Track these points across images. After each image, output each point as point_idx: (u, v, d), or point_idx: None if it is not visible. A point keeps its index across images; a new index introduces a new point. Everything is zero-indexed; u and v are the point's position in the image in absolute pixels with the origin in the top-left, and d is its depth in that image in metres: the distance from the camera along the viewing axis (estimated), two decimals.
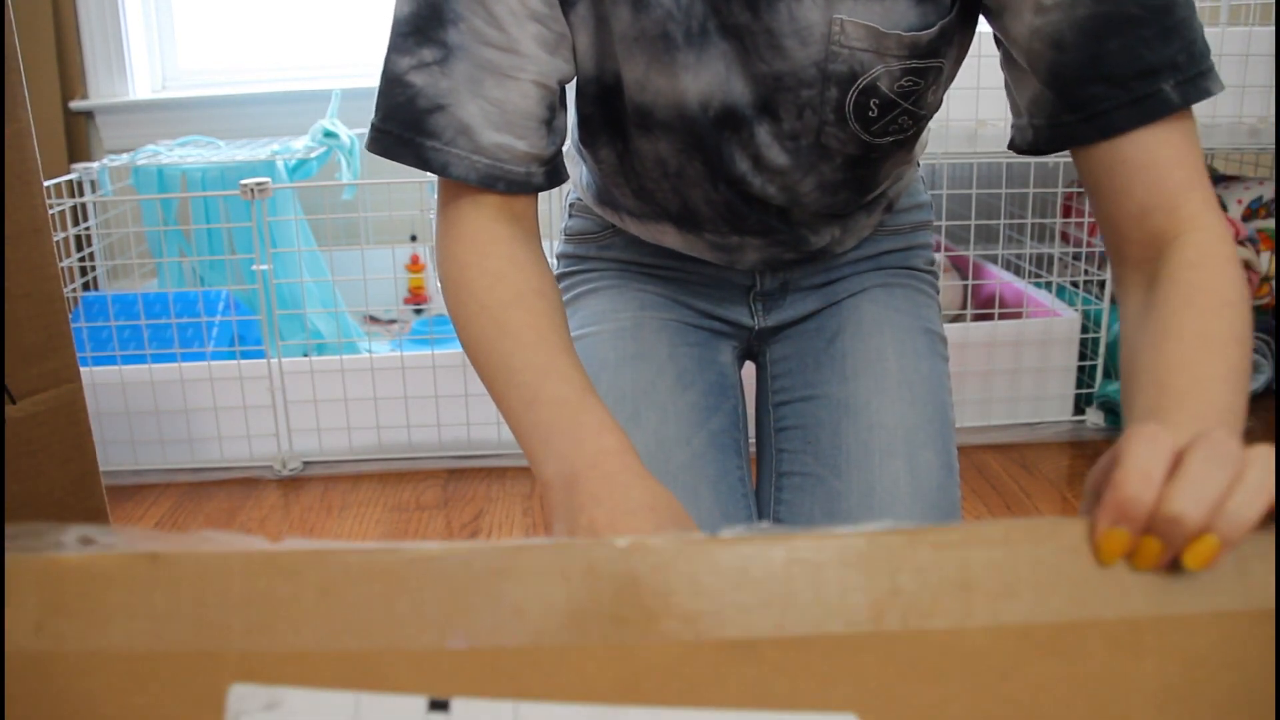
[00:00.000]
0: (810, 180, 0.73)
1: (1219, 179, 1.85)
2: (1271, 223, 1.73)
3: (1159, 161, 0.58)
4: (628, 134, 0.72)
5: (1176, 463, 0.39)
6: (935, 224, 1.82)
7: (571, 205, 0.90)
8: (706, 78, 0.66)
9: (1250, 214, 1.75)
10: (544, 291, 0.64)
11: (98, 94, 2.33)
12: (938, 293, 0.90)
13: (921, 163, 0.94)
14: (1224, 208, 1.75)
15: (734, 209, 0.75)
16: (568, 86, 0.70)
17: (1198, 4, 1.86)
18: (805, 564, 0.37)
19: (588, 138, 0.76)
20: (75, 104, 2.29)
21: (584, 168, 0.85)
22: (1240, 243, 1.64)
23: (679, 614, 0.36)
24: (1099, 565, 0.38)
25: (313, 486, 1.67)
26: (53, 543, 0.36)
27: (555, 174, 0.67)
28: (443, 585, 0.36)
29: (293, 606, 0.35)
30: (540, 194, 0.69)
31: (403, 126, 0.63)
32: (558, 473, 0.56)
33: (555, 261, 0.90)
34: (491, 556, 0.36)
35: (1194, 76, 0.57)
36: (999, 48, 0.65)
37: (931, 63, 0.65)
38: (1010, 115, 0.67)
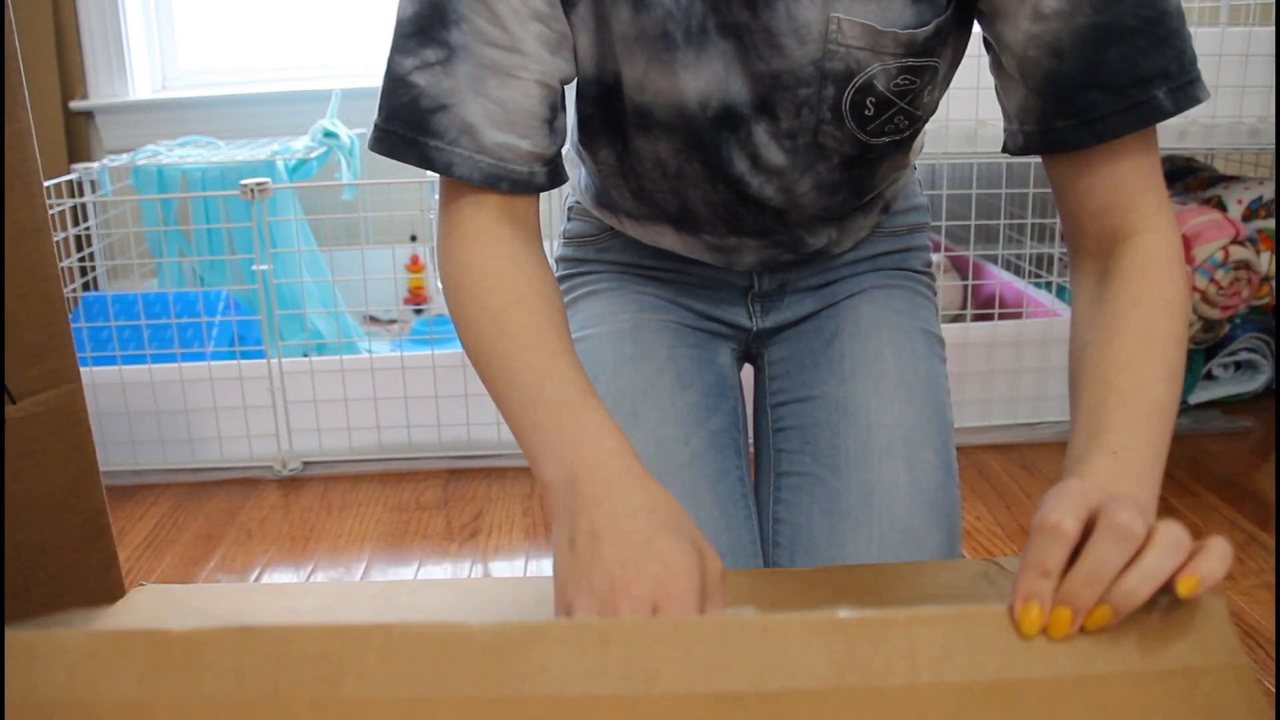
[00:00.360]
0: (807, 180, 0.73)
1: (1219, 179, 1.85)
2: (1271, 223, 1.73)
3: (1122, 165, 0.61)
4: (627, 135, 0.72)
5: (1090, 519, 0.45)
6: (935, 224, 1.82)
7: (570, 209, 0.91)
8: (705, 77, 0.67)
9: (1250, 214, 1.75)
10: (544, 293, 0.64)
11: (98, 94, 2.33)
12: (935, 294, 0.91)
13: (918, 165, 0.94)
14: (1224, 208, 1.75)
15: (732, 210, 0.75)
16: (568, 87, 0.70)
17: (1198, 4, 1.86)
18: (777, 633, 0.44)
19: (587, 139, 0.76)
20: (75, 104, 2.29)
21: (583, 170, 0.85)
22: (1240, 243, 1.64)
23: (676, 672, 0.43)
24: (1022, 636, 0.45)
25: (313, 486, 1.67)
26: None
27: (556, 174, 0.68)
28: (481, 649, 0.43)
29: (356, 664, 0.41)
30: (540, 196, 0.69)
31: (406, 126, 0.63)
32: (557, 475, 0.56)
33: (554, 264, 0.91)
34: (523, 629, 0.43)
35: (1185, 84, 0.59)
36: (989, 52, 0.66)
37: (927, 62, 0.65)
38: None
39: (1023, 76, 0.62)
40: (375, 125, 0.65)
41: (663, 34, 0.65)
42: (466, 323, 0.64)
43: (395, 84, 0.63)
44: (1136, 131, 0.60)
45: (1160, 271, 0.60)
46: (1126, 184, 0.61)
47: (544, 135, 0.65)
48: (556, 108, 0.66)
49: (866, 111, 0.67)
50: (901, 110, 0.68)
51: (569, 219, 0.90)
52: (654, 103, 0.69)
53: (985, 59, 0.67)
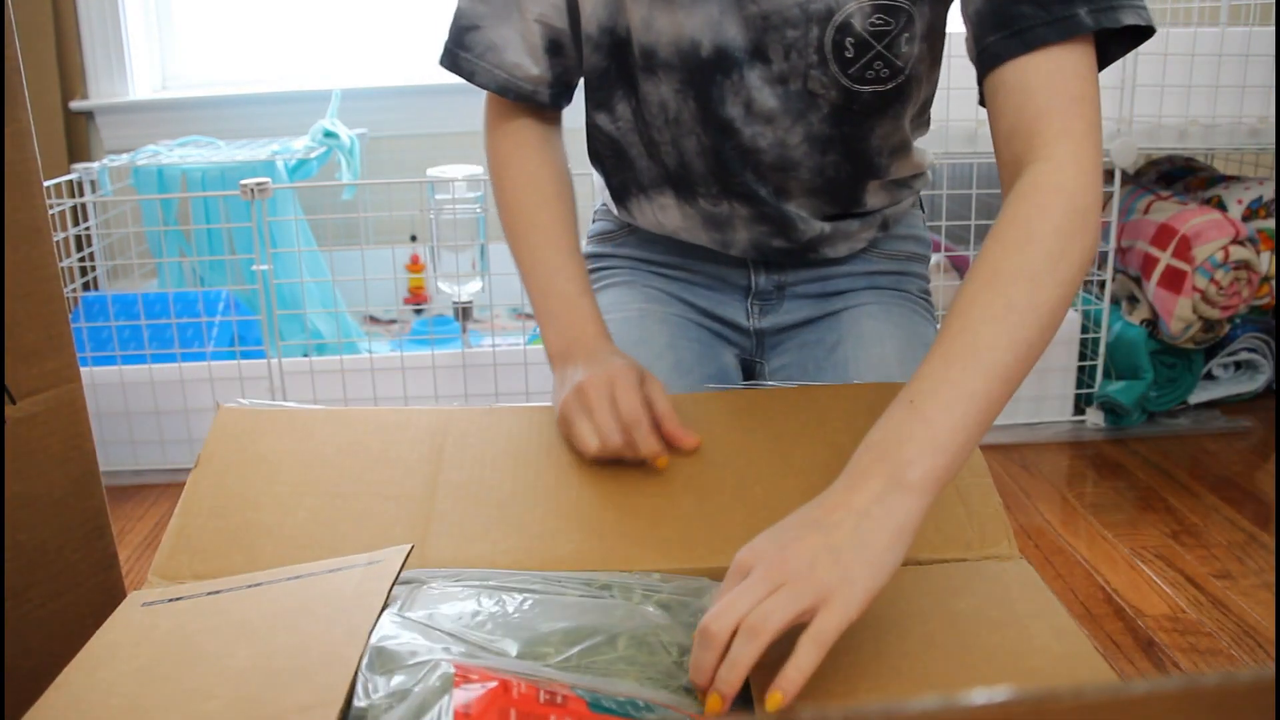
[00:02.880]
0: (799, 130, 0.77)
1: (1219, 179, 1.85)
2: (1271, 223, 1.73)
3: (1028, 86, 0.63)
4: (636, 81, 0.80)
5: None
6: (935, 224, 1.83)
7: (595, 211, 0.99)
8: (700, 17, 0.74)
9: (1250, 214, 1.75)
10: (563, 195, 0.84)
11: (98, 94, 2.33)
12: (935, 323, 0.92)
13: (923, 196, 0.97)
14: (1224, 208, 1.75)
15: (723, 161, 0.79)
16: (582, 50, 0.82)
17: (1198, 4, 1.86)
18: None
19: (604, 96, 0.84)
20: (75, 104, 2.29)
21: (599, 162, 0.90)
22: (1240, 243, 1.64)
23: None
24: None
25: None
26: None
27: (559, 97, 0.84)
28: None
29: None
30: (562, 112, 0.87)
31: (452, 41, 0.82)
32: (556, 345, 0.79)
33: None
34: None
35: (1108, 8, 0.62)
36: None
37: (898, 2, 0.71)
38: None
39: (965, 4, 0.68)
40: (443, 45, 0.83)
41: None
42: (505, 208, 0.84)
43: (456, 11, 0.82)
44: (1057, 44, 0.62)
45: (1033, 202, 0.59)
46: (1029, 108, 0.63)
47: (546, 63, 0.81)
48: (559, 43, 0.81)
49: (847, 53, 0.73)
50: (879, 55, 0.73)
51: (594, 220, 0.99)
52: (657, 42, 0.77)
53: None
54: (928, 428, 0.54)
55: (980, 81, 0.67)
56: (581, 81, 0.84)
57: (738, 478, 0.71)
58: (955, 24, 0.75)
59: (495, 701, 0.44)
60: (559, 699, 0.46)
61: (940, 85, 1.54)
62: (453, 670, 0.47)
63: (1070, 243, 0.58)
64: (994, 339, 0.56)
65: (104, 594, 0.79)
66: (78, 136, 2.32)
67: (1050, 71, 0.62)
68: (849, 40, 0.72)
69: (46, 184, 1.03)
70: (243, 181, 1.59)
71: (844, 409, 0.76)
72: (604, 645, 0.55)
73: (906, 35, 0.72)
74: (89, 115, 2.34)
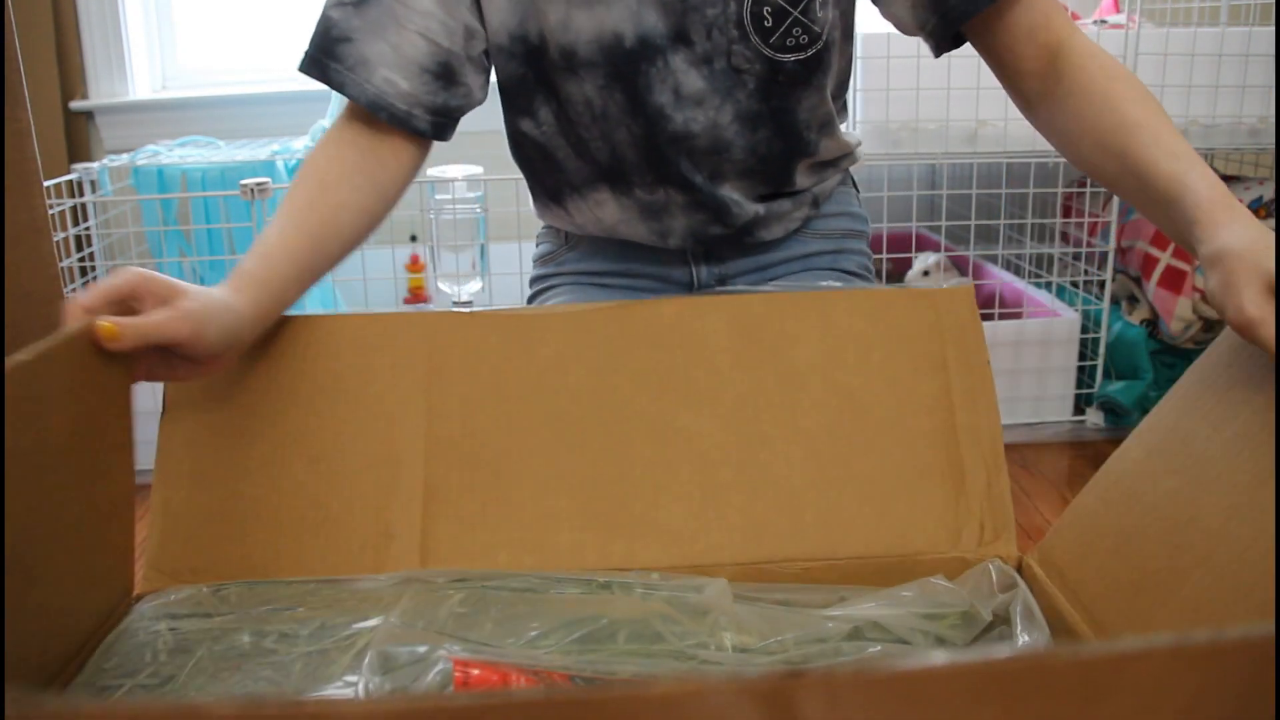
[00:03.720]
0: (728, 109, 0.78)
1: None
2: (1271, 223, 1.73)
3: (1029, 19, 0.73)
4: (557, 85, 0.79)
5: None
6: (935, 224, 1.83)
7: (538, 234, 1.00)
8: (619, 9, 0.74)
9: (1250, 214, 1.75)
10: (326, 182, 0.76)
11: (98, 94, 2.33)
12: None
13: (877, 185, 0.99)
14: None
15: (656, 148, 0.79)
16: (487, 59, 0.80)
17: (1198, 4, 1.86)
18: None
19: (525, 102, 0.82)
20: (75, 104, 2.29)
21: (528, 170, 0.90)
22: None
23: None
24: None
25: None
26: None
27: (441, 128, 0.78)
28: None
29: None
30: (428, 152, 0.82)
31: (319, 50, 0.76)
32: None
33: (529, 285, 1.01)
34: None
35: None
36: (875, 2, 0.78)
37: None
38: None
39: None
40: (304, 51, 0.77)
41: None
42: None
43: (322, 18, 0.76)
44: None
45: (1106, 57, 0.72)
46: (1036, 14, 0.73)
47: (426, 83, 0.76)
48: (450, 67, 0.76)
49: (766, 23, 0.75)
50: (797, 21, 0.75)
51: (537, 243, 1.00)
52: (577, 40, 0.76)
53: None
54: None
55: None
56: (496, 91, 0.83)
57: (739, 437, 0.67)
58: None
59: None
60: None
61: (939, 85, 1.55)
62: (452, 666, 0.47)
63: None
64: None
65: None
66: (78, 136, 2.32)
67: (1042, 6, 0.73)
68: (766, 10, 0.74)
69: (46, 184, 1.03)
70: (243, 181, 1.59)
71: (854, 335, 0.70)
72: (605, 638, 0.55)
73: (820, 0, 0.75)
74: (89, 115, 2.34)
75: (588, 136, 0.81)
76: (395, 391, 0.68)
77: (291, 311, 0.71)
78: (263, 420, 0.68)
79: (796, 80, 0.78)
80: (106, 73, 2.32)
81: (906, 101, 1.60)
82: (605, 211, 0.86)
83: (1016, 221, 1.93)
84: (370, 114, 0.76)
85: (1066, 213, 1.96)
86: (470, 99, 0.79)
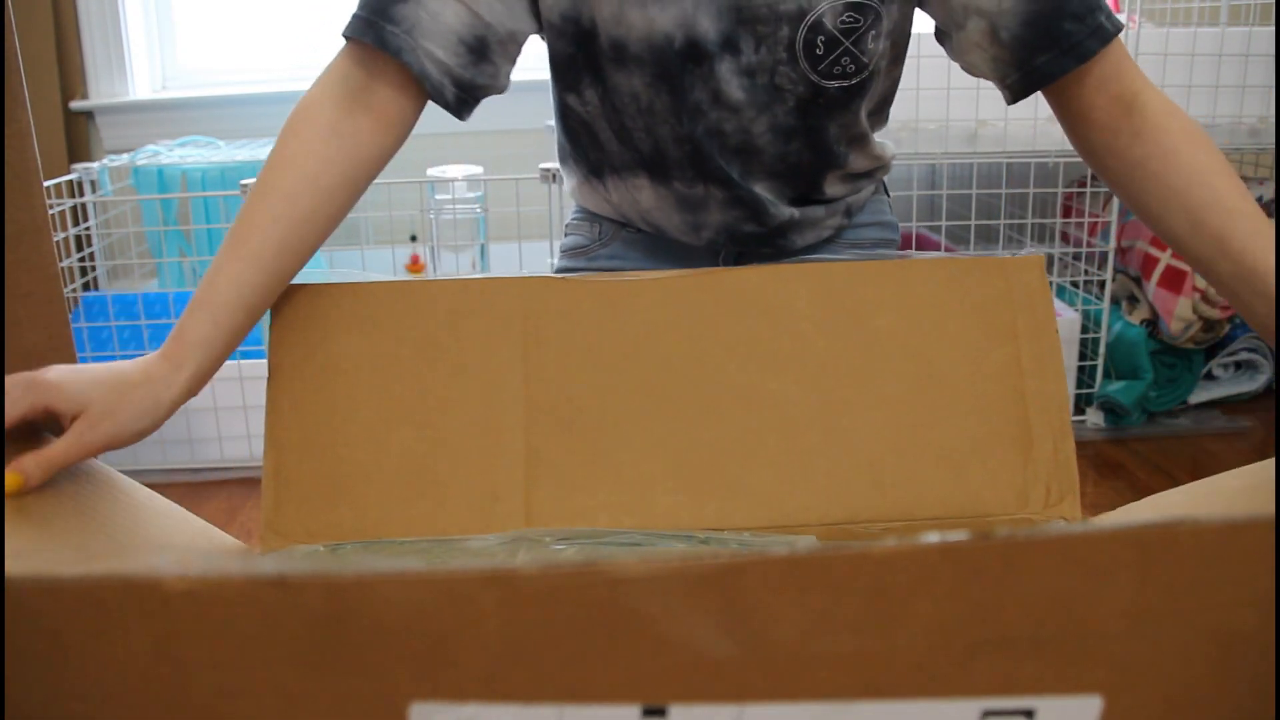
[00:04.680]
0: (763, 121, 0.78)
1: None
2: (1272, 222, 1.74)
3: (1104, 60, 0.73)
4: (605, 72, 0.78)
5: None
6: (935, 224, 1.83)
7: (568, 224, 0.98)
8: (672, 12, 0.74)
9: None
10: (296, 197, 0.70)
11: (98, 94, 2.33)
12: None
13: (892, 193, 0.99)
14: None
15: (697, 146, 0.79)
16: (527, 40, 0.79)
17: (1198, 4, 1.86)
18: None
19: (572, 80, 0.81)
20: (75, 104, 2.29)
21: (572, 143, 0.89)
22: None
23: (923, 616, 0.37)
24: None
25: None
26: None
27: (464, 104, 0.75)
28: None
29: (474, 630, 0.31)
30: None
31: (373, 12, 0.72)
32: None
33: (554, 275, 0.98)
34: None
35: (1109, 12, 0.72)
36: (943, 42, 0.77)
37: (868, 0, 0.73)
38: (1010, 113, 0.75)
39: (996, 30, 0.72)
40: (353, 14, 0.73)
41: None
42: (265, 162, 0.71)
43: None
44: (1100, 50, 0.72)
45: (1184, 118, 0.72)
46: (1109, 66, 0.73)
47: (461, 55, 0.73)
48: (485, 43, 0.74)
49: (817, 50, 0.74)
50: (848, 51, 0.75)
51: (566, 234, 0.98)
52: (628, 36, 0.75)
53: (1050, 106, 0.77)
54: None
55: (1013, 97, 0.75)
56: (549, 64, 0.82)
57: (823, 402, 0.70)
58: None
59: None
60: None
61: (939, 85, 1.55)
62: None
63: None
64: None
65: None
66: (78, 136, 2.32)
67: (1117, 60, 0.73)
68: (820, 38, 0.74)
69: (46, 184, 1.03)
70: (243, 181, 1.59)
71: (930, 303, 0.72)
72: None
73: (874, 33, 0.74)
74: (89, 115, 2.34)
75: (631, 126, 0.81)
76: (493, 357, 0.70)
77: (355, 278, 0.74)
78: (365, 387, 0.70)
79: (835, 104, 0.78)
80: (106, 73, 2.32)
81: (906, 101, 1.60)
82: (642, 196, 0.87)
83: (1016, 221, 1.93)
84: (383, 73, 0.72)
85: (1066, 213, 1.96)
86: (497, 81, 0.77)
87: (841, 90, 0.77)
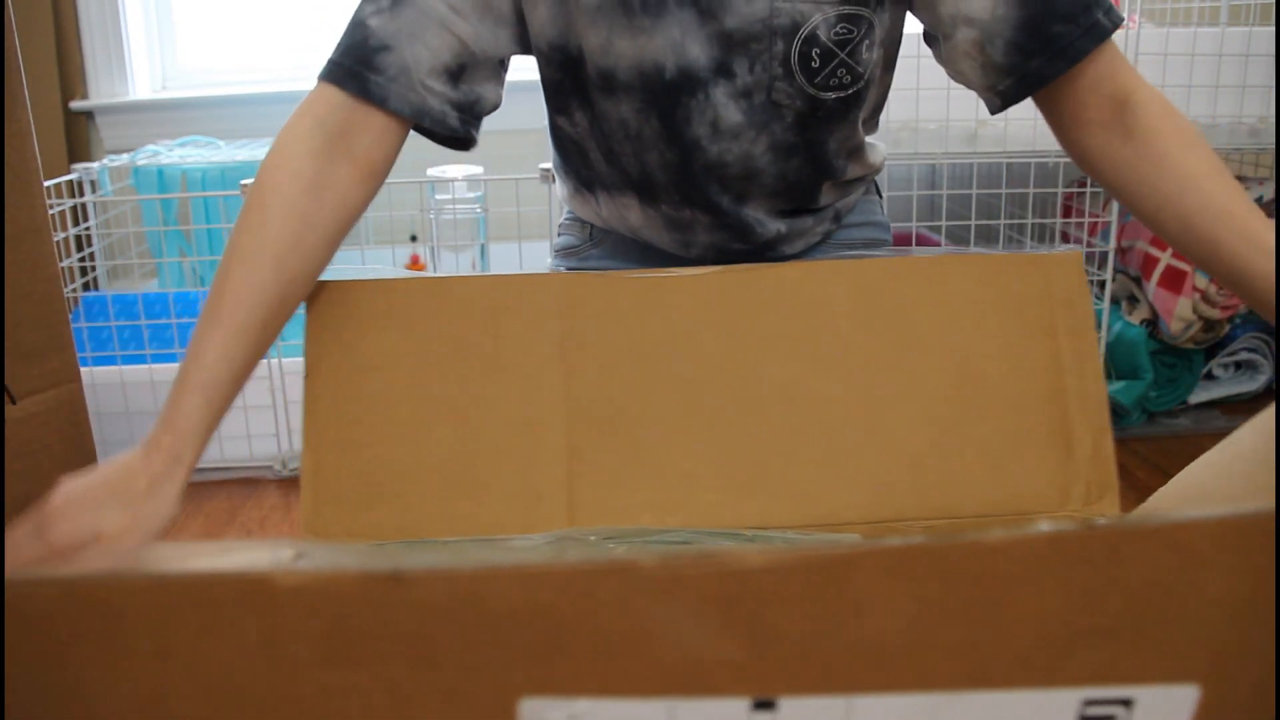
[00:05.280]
0: (763, 141, 0.77)
1: None
2: (1271, 223, 1.74)
3: (1097, 61, 0.72)
4: (593, 98, 0.78)
5: None
6: (935, 224, 1.82)
7: (560, 225, 0.98)
8: (660, 42, 0.73)
9: None
10: (280, 260, 0.67)
11: (98, 94, 2.33)
12: None
13: (892, 193, 0.98)
14: None
15: (688, 175, 0.79)
16: (510, 61, 0.79)
17: (1198, 4, 1.86)
18: None
19: (561, 103, 0.81)
20: (75, 104, 2.29)
21: (563, 157, 0.89)
22: None
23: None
24: None
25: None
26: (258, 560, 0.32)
27: (468, 124, 0.75)
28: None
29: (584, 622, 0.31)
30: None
31: (356, 61, 0.71)
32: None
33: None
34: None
35: (1110, 8, 0.70)
36: (931, 45, 0.76)
37: (860, 10, 0.72)
38: (1010, 113, 0.76)
39: (990, 38, 0.71)
40: (329, 59, 0.72)
41: (622, 3, 0.72)
42: (241, 217, 0.68)
43: (354, 26, 0.72)
44: (1094, 50, 0.71)
45: (1178, 118, 0.71)
46: (1101, 68, 0.72)
47: (454, 84, 0.73)
48: (472, 66, 0.74)
49: (813, 63, 0.74)
50: (843, 62, 0.74)
51: (559, 233, 0.98)
52: (616, 65, 0.74)
53: (1041, 110, 0.76)
54: None
55: (1003, 103, 0.74)
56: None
57: (864, 400, 0.70)
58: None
59: None
60: None
61: (939, 85, 1.54)
62: None
63: None
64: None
65: None
66: (78, 136, 2.32)
67: (1109, 59, 0.71)
68: (815, 51, 0.73)
69: (46, 184, 1.03)
70: (243, 181, 1.59)
71: (969, 301, 0.72)
72: None
73: (867, 42, 0.74)
74: (89, 115, 2.34)
75: (620, 150, 0.81)
76: (531, 354, 0.70)
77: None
78: (403, 385, 0.70)
79: (834, 115, 0.78)
80: (106, 73, 2.32)
81: (906, 101, 1.59)
82: (631, 215, 0.87)
83: (1017, 221, 1.93)
84: (365, 121, 0.71)
85: (1066, 213, 1.96)
86: (494, 96, 0.77)
87: (839, 101, 0.76)
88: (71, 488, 0.58)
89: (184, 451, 0.62)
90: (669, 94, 0.75)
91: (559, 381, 0.69)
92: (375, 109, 0.71)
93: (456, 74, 0.74)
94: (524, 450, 0.68)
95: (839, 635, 0.27)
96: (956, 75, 0.76)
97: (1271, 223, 0.66)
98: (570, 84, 0.79)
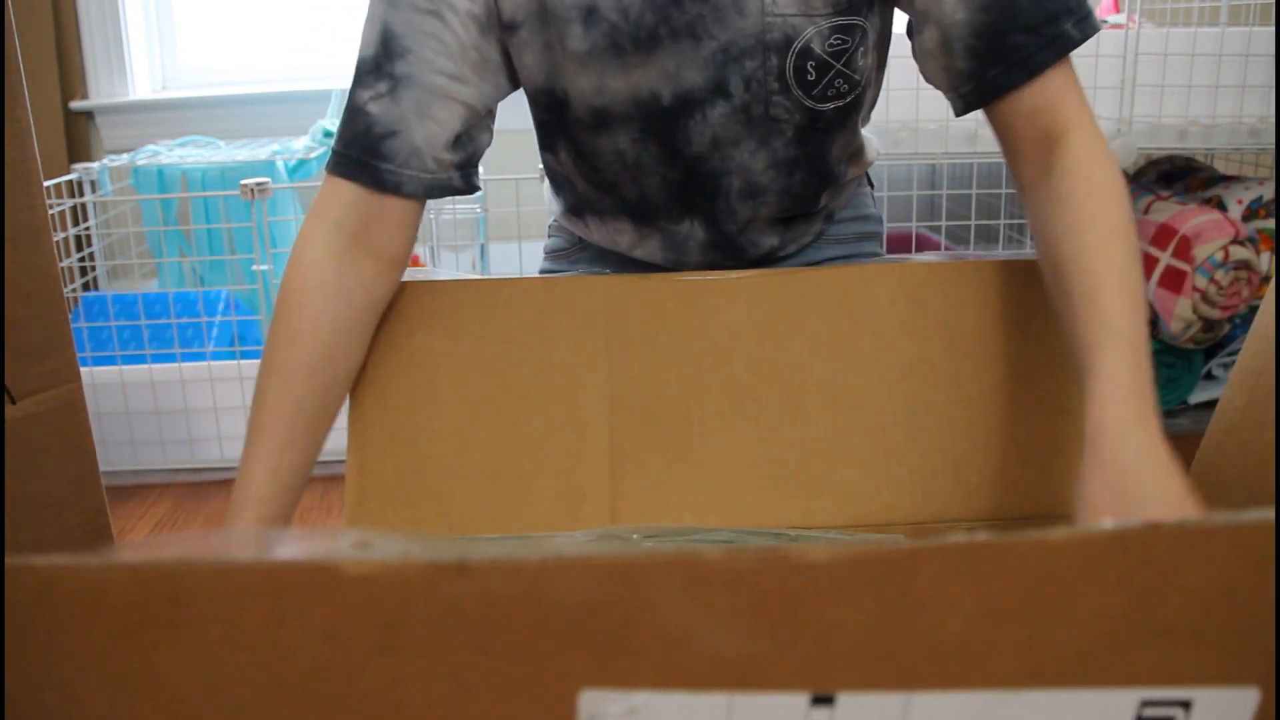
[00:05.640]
0: (763, 156, 0.76)
1: (1219, 179, 1.85)
2: (1271, 223, 1.74)
3: (1040, 106, 0.68)
4: (582, 138, 0.77)
5: None
6: (935, 224, 1.82)
7: (550, 226, 0.97)
8: (654, 74, 0.72)
9: (1250, 214, 1.75)
10: (316, 368, 0.67)
11: (98, 94, 2.33)
12: None
13: (877, 185, 0.98)
14: (1224, 208, 1.75)
15: (690, 189, 0.78)
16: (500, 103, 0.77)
17: (1198, 4, 1.86)
18: None
19: (548, 140, 0.81)
20: (75, 104, 2.29)
21: (552, 183, 0.89)
22: (1240, 243, 1.64)
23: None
24: None
25: (313, 487, 1.67)
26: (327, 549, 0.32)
27: (469, 177, 0.75)
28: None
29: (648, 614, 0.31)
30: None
31: (362, 151, 0.70)
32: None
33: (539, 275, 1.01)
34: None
35: (1084, 16, 0.67)
36: (911, 37, 0.74)
37: (854, 20, 0.71)
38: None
39: (949, 41, 0.69)
40: (333, 150, 0.71)
41: (612, 44, 0.71)
42: (265, 350, 0.68)
43: (353, 114, 0.71)
44: (1055, 63, 0.67)
45: (1102, 165, 0.66)
46: (1049, 92, 0.68)
47: (457, 149, 0.73)
48: (473, 125, 0.73)
49: (809, 76, 0.73)
50: (840, 73, 0.73)
51: (549, 234, 0.97)
52: (611, 102, 0.74)
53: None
54: (1146, 369, 0.59)
55: (965, 107, 0.71)
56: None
57: (907, 402, 0.69)
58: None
59: None
60: None
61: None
62: None
63: (1126, 191, 0.66)
64: (1140, 279, 0.63)
65: None
66: (78, 136, 2.32)
67: (1059, 87, 0.68)
68: (810, 64, 0.72)
69: (46, 184, 1.03)
70: (243, 181, 1.59)
71: (1014, 303, 0.71)
72: None
73: (862, 49, 0.73)
74: (89, 115, 2.34)
75: (615, 180, 0.80)
76: (576, 354, 0.71)
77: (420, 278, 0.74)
78: (448, 383, 0.70)
79: (833, 125, 0.77)
80: (106, 73, 2.32)
81: (906, 101, 1.59)
82: (623, 238, 0.86)
83: (1017, 221, 1.93)
84: (381, 212, 0.70)
85: None
86: (486, 143, 0.77)
87: (838, 111, 0.76)
88: None
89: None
90: (667, 119, 0.74)
91: (603, 381, 0.70)
92: (390, 197, 0.70)
93: (465, 138, 0.73)
94: (568, 449, 0.69)
95: (899, 631, 0.27)
96: (925, 73, 0.74)
97: (1135, 297, 0.60)
98: (555, 124, 0.79)
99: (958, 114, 0.73)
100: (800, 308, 0.71)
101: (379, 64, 0.70)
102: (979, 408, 0.69)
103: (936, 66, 0.71)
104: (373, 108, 0.70)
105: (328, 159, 0.71)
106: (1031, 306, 0.71)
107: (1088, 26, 0.67)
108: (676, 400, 0.70)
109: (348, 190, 0.70)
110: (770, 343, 0.71)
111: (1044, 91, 0.68)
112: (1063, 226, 0.64)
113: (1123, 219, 0.64)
